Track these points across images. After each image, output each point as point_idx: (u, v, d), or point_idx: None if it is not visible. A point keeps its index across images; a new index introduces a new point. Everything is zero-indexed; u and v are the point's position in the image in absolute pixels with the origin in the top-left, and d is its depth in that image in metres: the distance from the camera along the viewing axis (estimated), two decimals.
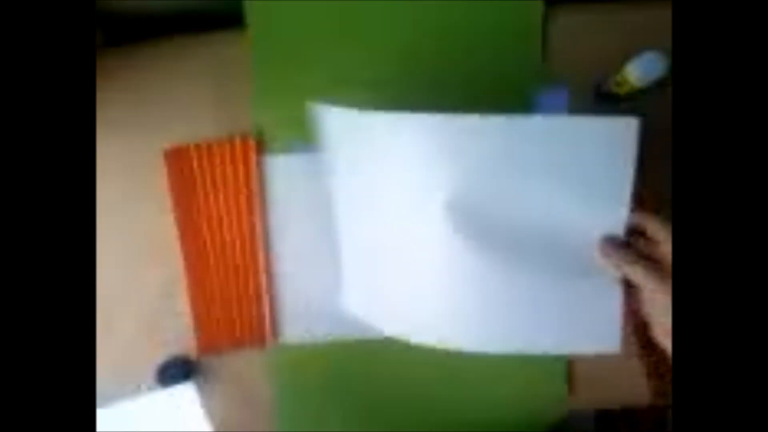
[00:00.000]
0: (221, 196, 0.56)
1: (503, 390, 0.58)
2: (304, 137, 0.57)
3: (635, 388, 0.57)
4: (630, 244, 0.44)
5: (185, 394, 0.55)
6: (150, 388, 0.55)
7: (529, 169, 0.46)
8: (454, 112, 0.57)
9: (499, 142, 0.46)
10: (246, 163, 0.56)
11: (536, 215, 0.46)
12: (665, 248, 0.42)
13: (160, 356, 0.56)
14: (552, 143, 0.45)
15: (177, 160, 0.56)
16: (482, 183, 0.46)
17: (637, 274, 0.42)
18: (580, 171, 0.45)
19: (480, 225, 0.46)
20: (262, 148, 0.57)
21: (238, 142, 0.56)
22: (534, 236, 0.46)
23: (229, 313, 0.56)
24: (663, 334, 0.43)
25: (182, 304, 0.56)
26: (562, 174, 0.46)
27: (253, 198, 0.56)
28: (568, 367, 0.57)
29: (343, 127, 0.50)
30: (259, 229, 0.56)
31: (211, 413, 0.56)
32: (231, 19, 0.57)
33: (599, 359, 0.57)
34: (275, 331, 0.57)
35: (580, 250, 0.46)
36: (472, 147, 0.46)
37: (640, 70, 0.49)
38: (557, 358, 0.57)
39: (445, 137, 0.46)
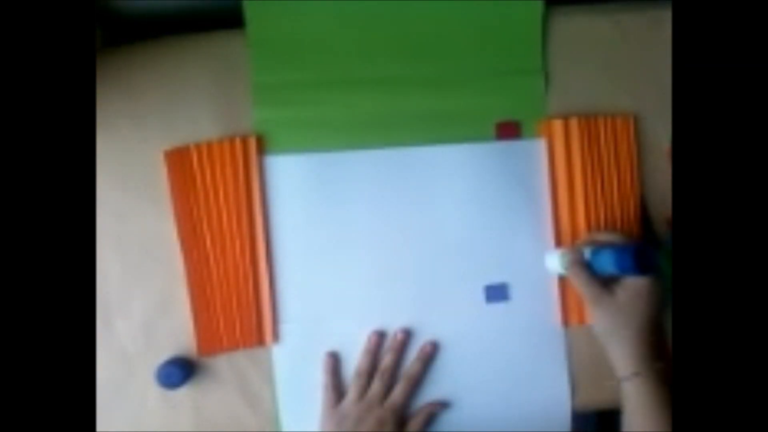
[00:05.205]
0: (221, 196, 0.56)
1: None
2: (304, 137, 0.57)
3: None
4: None
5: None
6: (150, 389, 0.55)
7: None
8: (454, 112, 0.57)
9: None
10: (246, 163, 0.56)
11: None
12: None
13: (160, 356, 0.56)
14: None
15: (178, 160, 0.56)
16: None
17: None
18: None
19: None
20: (262, 148, 0.57)
21: (238, 142, 0.56)
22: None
23: (229, 314, 0.56)
24: None
25: (182, 304, 0.56)
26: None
27: (253, 198, 0.56)
28: (570, 368, 0.57)
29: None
30: (259, 229, 0.56)
31: (211, 413, 0.56)
32: (231, 19, 0.57)
33: (599, 360, 0.57)
34: (275, 332, 0.57)
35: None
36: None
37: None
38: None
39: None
